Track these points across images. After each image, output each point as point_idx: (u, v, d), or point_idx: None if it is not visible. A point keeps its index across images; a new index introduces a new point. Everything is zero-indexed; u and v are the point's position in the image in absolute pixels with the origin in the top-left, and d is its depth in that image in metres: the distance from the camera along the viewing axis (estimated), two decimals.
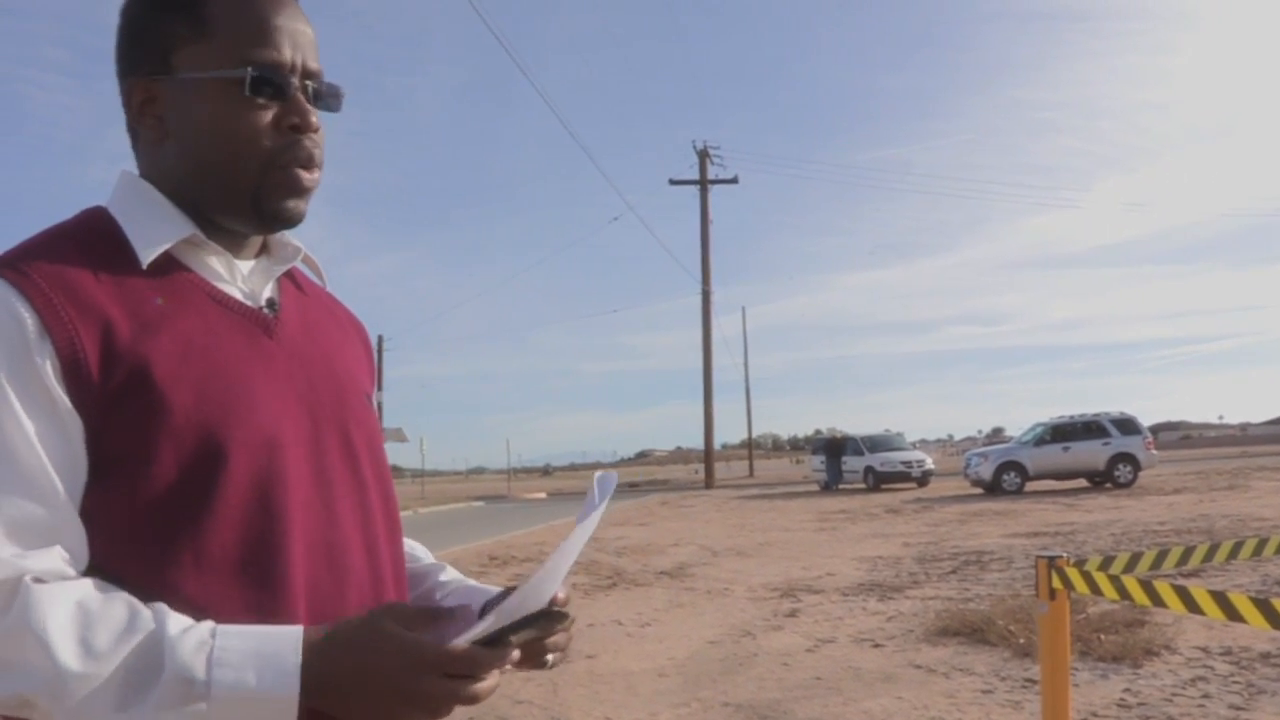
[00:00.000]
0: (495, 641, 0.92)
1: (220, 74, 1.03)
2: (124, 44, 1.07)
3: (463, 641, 0.91)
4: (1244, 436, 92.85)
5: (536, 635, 0.97)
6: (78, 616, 0.85)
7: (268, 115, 1.04)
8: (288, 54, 1.05)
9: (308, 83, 1.07)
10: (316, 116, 1.07)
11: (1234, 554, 3.84)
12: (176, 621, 0.87)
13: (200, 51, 1.03)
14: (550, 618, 0.98)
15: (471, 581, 1.23)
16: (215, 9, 1.04)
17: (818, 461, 33.35)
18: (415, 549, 1.28)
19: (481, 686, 0.91)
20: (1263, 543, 3.86)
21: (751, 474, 57.64)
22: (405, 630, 0.91)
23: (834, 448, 31.99)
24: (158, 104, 1.05)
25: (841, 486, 31.05)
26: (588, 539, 1.02)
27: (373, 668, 0.88)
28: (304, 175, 1.07)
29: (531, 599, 0.96)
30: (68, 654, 0.82)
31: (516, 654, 0.94)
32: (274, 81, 1.04)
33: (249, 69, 1.03)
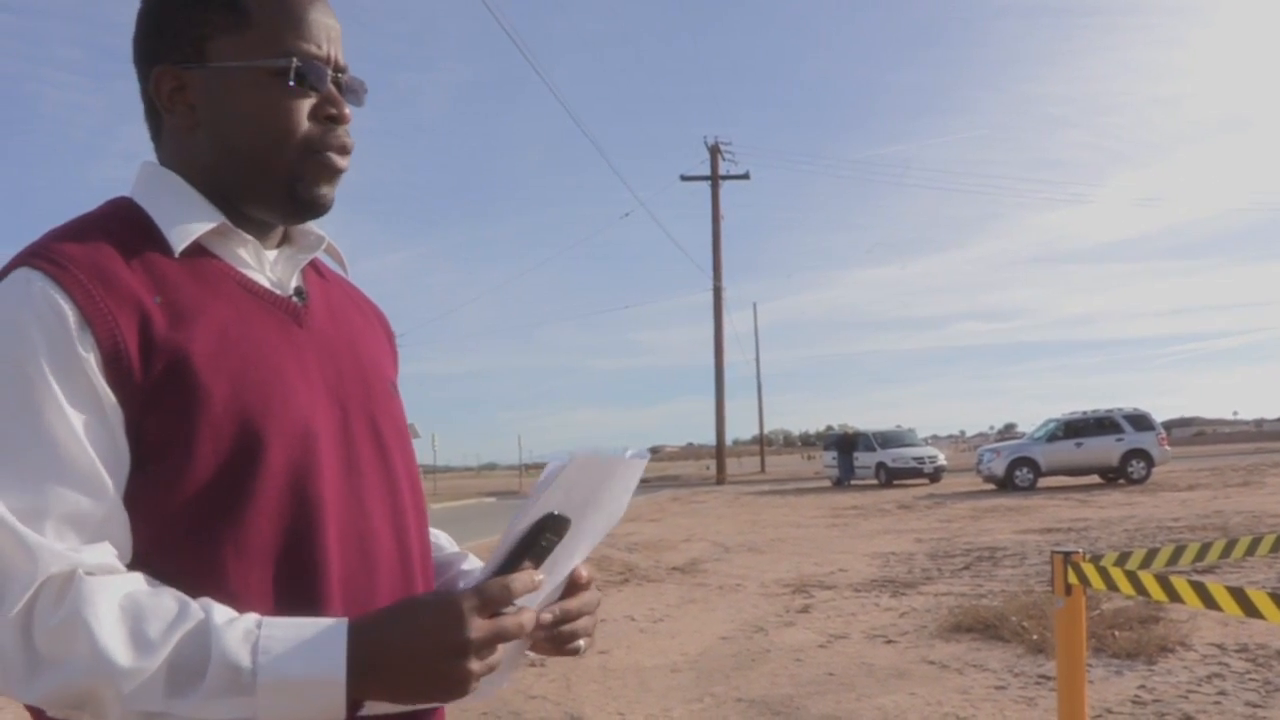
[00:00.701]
0: (511, 568, 0.95)
1: (263, 63, 1.03)
2: (150, 31, 1.07)
3: (483, 577, 0.94)
4: (1259, 432, 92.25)
5: (545, 545, 0.97)
6: (129, 607, 0.85)
7: (306, 106, 1.06)
8: (324, 47, 1.07)
9: (339, 75, 1.09)
10: (349, 108, 1.09)
11: (1251, 550, 3.83)
12: (223, 613, 0.87)
13: (239, 41, 1.03)
14: (549, 523, 0.97)
15: None
16: (253, 1, 1.04)
17: (830, 457, 33.30)
18: (440, 538, 1.29)
19: (524, 618, 0.93)
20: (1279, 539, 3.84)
21: (763, 470, 57.63)
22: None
23: (846, 444, 31.95)
24: (189, 92, 1.05)
25: (853, 482, 31.02)
26: (580, 471, 0.99)
27: (416, 632, 0.89)
28: (338, 159, 1.08)
29: (525, 518, 0.97)
30: (116, 644, 0.83)
31: (540, 576, 0.96)
32: (314, 73, 1.05)
33: (293, 60, 1.04)
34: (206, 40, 1.04)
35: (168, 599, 0.87)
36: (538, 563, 0.96)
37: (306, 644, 0.86)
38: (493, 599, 0.91)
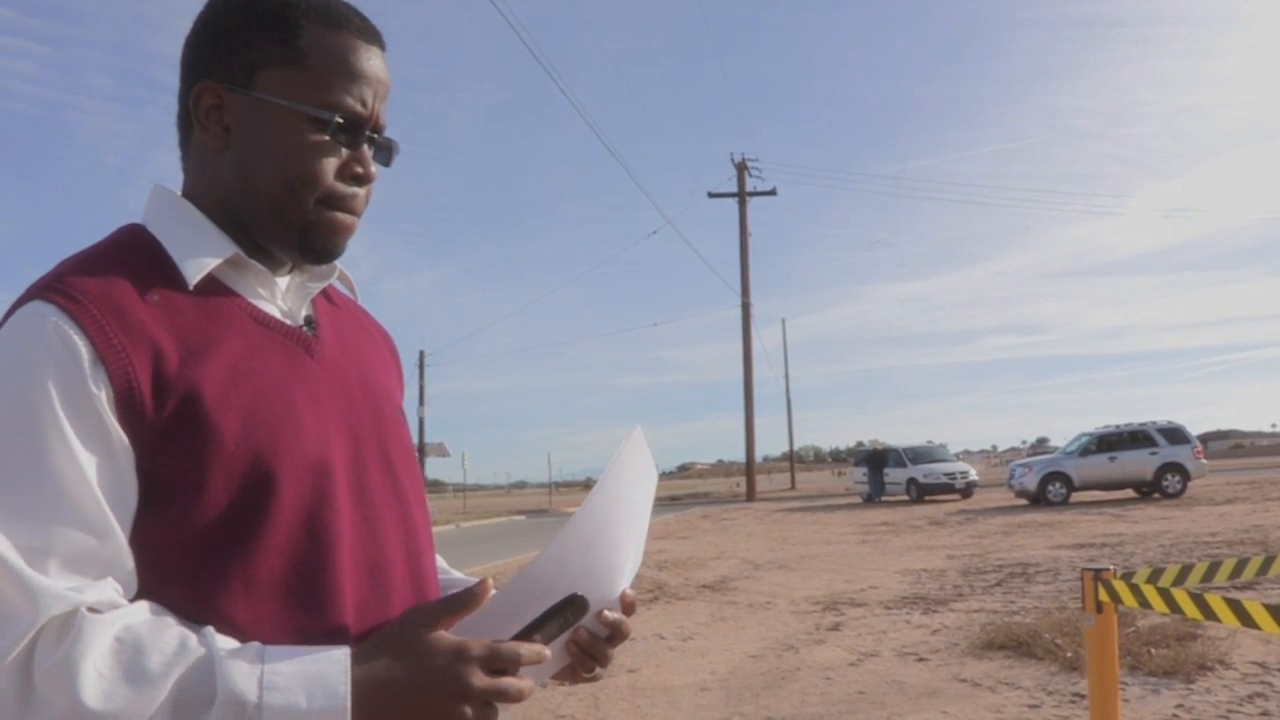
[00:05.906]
0: (527, 636, 0.97)
1: (307, 109, 1.03)
2: (204, 44, 1.06)
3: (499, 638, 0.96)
4: None
5: (563, 624, 0.99)
6: (129, 641, 0.85)
7: (336, 160, 1.05)
8: (370, 104, 1.07)
9: (374, 135, 1.09)
10: (375, 168, 1.09)
11: None
12: (225, 644, 0.87)
13: (289, 79, 1.03)
14: (572, 603, 1.00)
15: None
16: (313, 43, 1.03)
17: (860, 474, 33.09)
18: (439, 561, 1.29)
19: (524, 684, 0.94)
20: None
21: (793, 486, 57.37)
22: (440, 630, 0.94)
23: (876, 459, 31.75)
24: (227, 114, 1.04)
25: (884, 498, 30.81)
26: (610, 504, 1.05)
27: (421, 671, 0.90)
28: (350, 220, 1.08)
29: (541, 583, 0.99)
30: (107, 684, 0.82)
31: (548, 652, 0.98)
32: (353, 132, 1.05)
33: (335, 115, 1.03)
34: (258, 68, 1.03)
35: (170, 631, 0.87)
36: (549, 638, 0.99)
37: (310, 678, 0.86)
38: (502, 658, 0.93)
